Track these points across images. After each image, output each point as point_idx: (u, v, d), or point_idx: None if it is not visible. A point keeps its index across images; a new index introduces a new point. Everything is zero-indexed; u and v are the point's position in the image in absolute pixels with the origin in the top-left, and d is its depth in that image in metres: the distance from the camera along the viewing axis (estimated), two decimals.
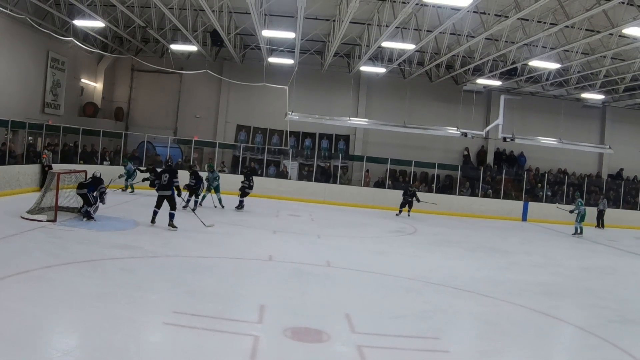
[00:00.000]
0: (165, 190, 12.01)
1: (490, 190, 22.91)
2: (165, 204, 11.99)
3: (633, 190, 23.95)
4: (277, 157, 23.53)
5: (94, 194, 11.85)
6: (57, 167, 14.99)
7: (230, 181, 18.86)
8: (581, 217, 18.06)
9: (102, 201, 12.10)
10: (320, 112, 21.92)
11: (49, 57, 19.59)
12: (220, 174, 17.24)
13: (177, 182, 12.15)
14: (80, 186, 12.05)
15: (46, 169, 15.77)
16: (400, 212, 19.38)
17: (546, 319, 7.60)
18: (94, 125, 21.38)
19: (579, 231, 17.88)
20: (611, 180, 24.53)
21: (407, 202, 19.25)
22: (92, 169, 15.38)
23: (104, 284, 7.14)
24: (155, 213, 12.08)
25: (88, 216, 11.73)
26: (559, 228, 19.91)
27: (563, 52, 16.86)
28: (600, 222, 20.99)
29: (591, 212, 19.96)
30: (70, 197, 12.26)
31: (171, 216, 11.80)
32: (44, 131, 18.08)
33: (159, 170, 14.56)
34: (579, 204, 18.27)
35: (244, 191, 16.87)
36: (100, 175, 12.22)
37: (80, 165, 17.61)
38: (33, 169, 16.15)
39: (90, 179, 12.17)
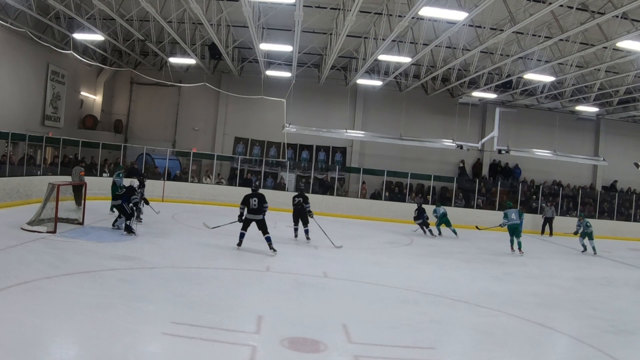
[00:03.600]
0: (256, 215, 11.60)
1: (479, 200, 22.99)
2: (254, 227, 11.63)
3: (627, 202, 24.10)
4: (274, 169, 23.62)
5: (130, 205, 11.79)
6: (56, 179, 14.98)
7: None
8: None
9: (139, 211, 11.79)
10: (318, 124, 22.11)
11: (49, 70, 19.74)
12: (218, 186, 17.02)
13: (267, 206, 11.83)
14: (115, 197, 11.99)
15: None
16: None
17: (541, 330, 7.67)
18: (93, 138, 21.52)
19: None
20: (605, 192, 24.69)
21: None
22: (94, 181, 15.31)
23: (103, 294, 7.19)
24: (242, 235, 11.72)
25: (129, 230, 11.64)
26: (553, 239, 20.04)
27: (558, 65, 17.06)
28: (550, 230, 20.89)
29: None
30: (69, 209, 12.31)
31: (268, 240, 11.52)
32: (44, 143, 18.19)
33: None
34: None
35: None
36: (138, 186, 12.05)
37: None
38: (32, 181, 16.16)
39: (124, 190, 12.06)
